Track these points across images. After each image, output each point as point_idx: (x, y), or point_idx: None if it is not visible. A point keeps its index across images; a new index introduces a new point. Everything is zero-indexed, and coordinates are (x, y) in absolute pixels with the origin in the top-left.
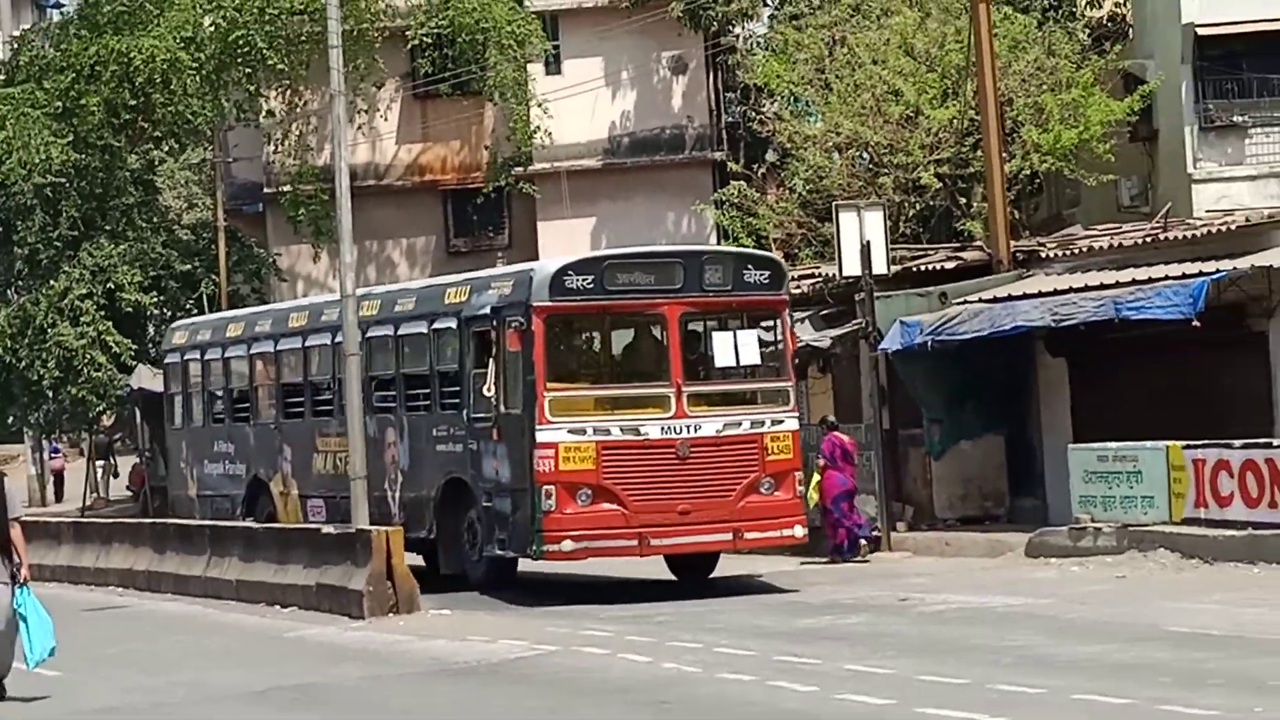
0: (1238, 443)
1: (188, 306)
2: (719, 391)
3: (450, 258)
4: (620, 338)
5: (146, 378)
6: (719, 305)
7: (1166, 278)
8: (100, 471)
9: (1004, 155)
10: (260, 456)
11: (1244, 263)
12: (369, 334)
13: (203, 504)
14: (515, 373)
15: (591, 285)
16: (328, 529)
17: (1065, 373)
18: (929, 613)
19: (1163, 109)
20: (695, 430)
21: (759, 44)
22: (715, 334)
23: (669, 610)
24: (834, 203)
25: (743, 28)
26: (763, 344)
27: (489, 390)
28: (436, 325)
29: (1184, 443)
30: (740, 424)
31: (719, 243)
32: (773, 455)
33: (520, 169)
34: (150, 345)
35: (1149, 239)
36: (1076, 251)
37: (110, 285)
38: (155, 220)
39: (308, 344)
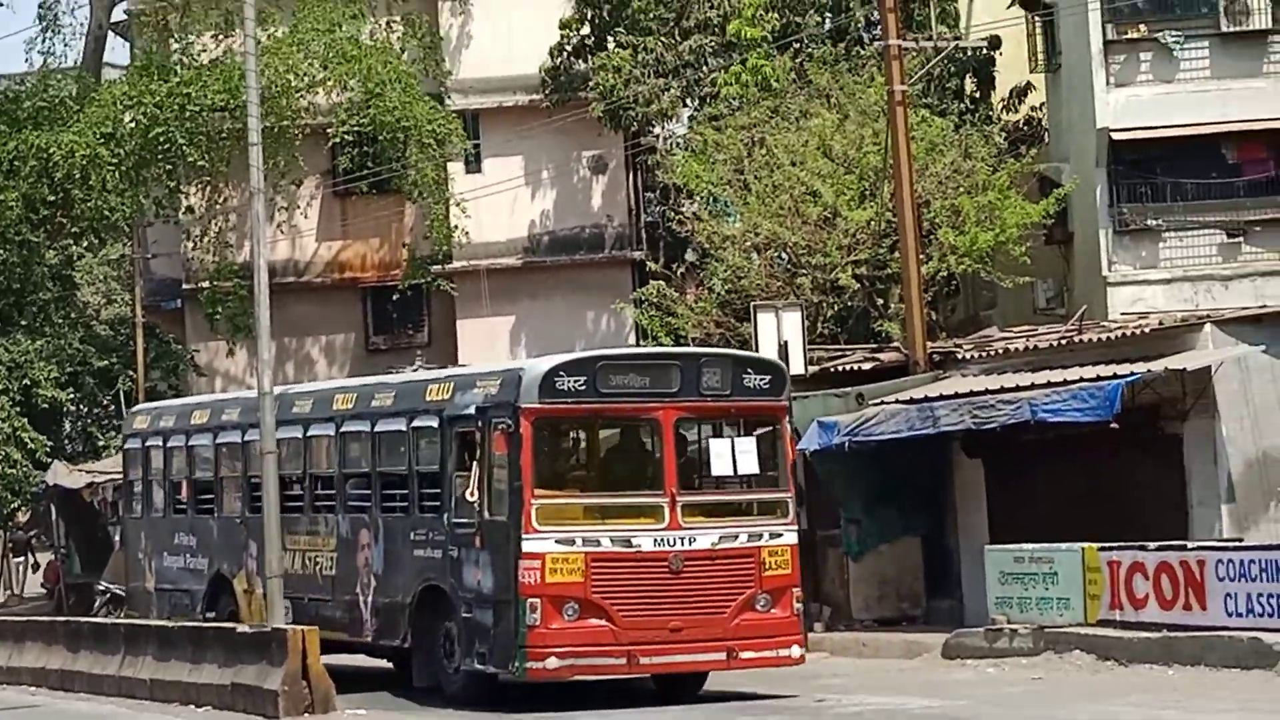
0: (1152, 545)
1: (104, 403)
2: (715, 502)
3: (369, 355)
4: (612, 442)
5: (62, 474)
6: (716, 411)
7: (1081, 380)
8: (17, 568)
9: (921, 257)
10: (224, 551)
11: (1158, 365)
12: (344, 428)
13: (160, 599)
14: (501, 477)
15: (583, 387)
16: (243, 628)
17: (981, 474)
18: (845, 714)
19: (1078, 212)
20: (690, 543)
21: (678, 144)
22: (712, 441)
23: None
24: (752, 303)
25: (662, 128)
26: (761, 452)
27: (472, 495)
28: (416, 423)
29: (1099, 545)
30: (737, 537)
31: (638, 342)
32: (770, 570)
33: (439, 267)
34: (66, 442)
35: (1064, 341)
36: (993, 353)
37: (26, 381)
38: (73, 316)
39: (277, 435)
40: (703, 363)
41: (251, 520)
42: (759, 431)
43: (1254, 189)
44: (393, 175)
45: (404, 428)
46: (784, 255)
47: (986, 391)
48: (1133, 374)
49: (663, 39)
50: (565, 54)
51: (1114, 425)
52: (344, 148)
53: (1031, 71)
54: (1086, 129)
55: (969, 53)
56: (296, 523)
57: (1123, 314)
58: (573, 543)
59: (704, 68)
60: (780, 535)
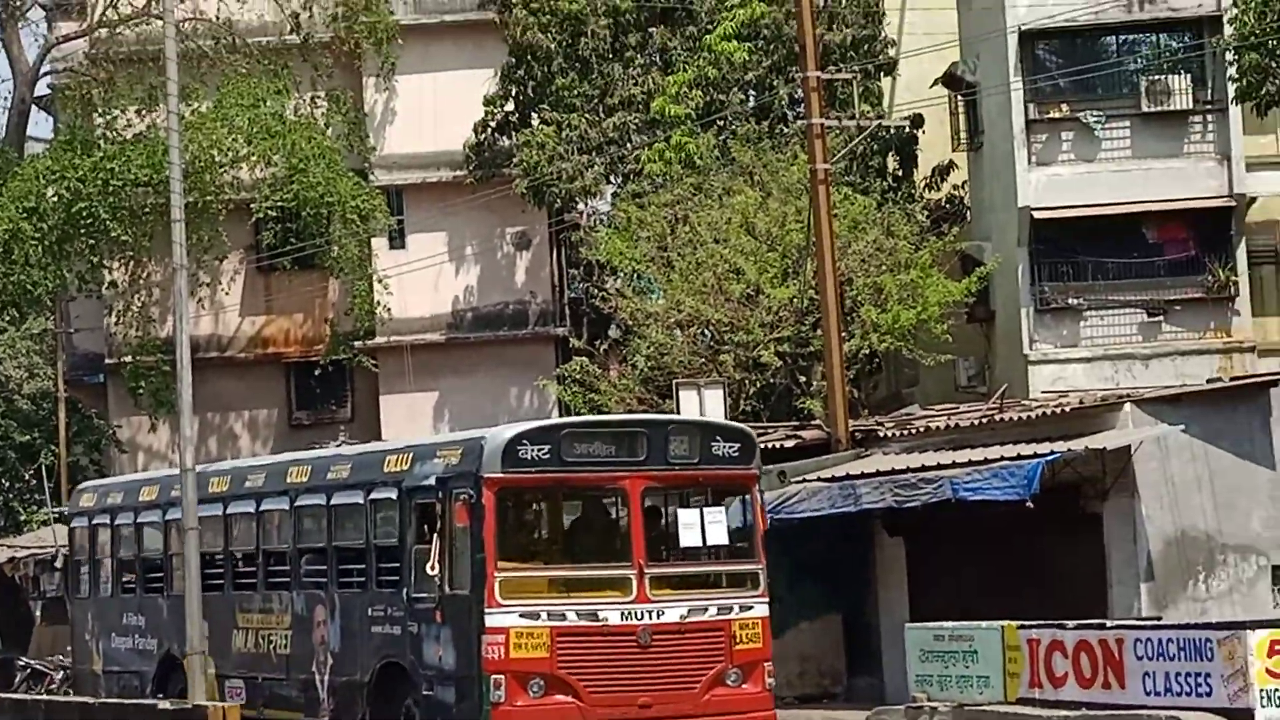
0: (1071, 624)
1: (26, 478)
2: (684, 574)
3: (293, 430)
4: (578, 513)
5: None
6: (685, 480)
7: (1002, 459)
8: None
9: (843, 334)
10: (174, 631)
11: (1078, 445)
12: (299, 502)
13: (109, 680)
14: (462, 549)
15: (547, 455)
16: (165, 704)
17: (903, 552)
18: None
19: (1000, 290)
20: (658, 616)
21: (602, 221)
22: (680, 511)
23: None
24: (675, 380)
25: (586, 204)
26: (731, 522)
27: (432, 568)
28: (374, 495)
29: (1019, 623)
30: (706, 609)
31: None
32: (741, 644)
33: (362, 343)
34: None
35: (985, 420)
36: (914, 431)
37: None
38: None
39: (229, 511)
40: (670, 430)
41: (203, 599)
42: (728, 501)
43: (1174, 268)
44: (316, 251)
45: (361, 500)
46: (707, 332)
47: (908, 470)
48: (1053, 453)
49: (587, 116)
50: (489, 130)
51: (1029, 505)
52: (268, 223)
53: (954, 150)
54: (1008, 207)
55: (892, 131)
56: (249, 600)
57: (1044, 392)
58: (538, 617)
59: (628, 144)
60: (751, 608)
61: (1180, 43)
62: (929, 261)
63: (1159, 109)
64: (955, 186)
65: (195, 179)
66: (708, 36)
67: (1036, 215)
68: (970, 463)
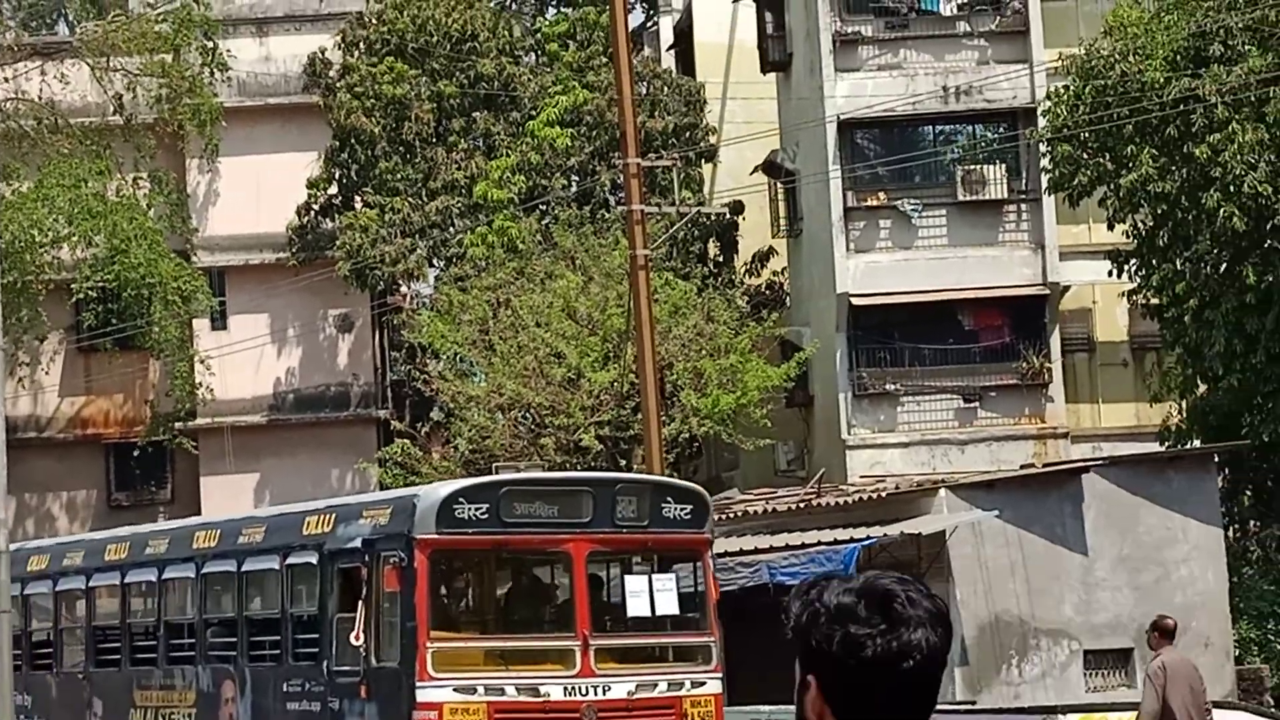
0: None
1: None
2: (631, 646)
3: (112, 511)
4: (518, 579)
5: None
6: (633, 544)
7: (820, 543)
8: None
9: (663, 418)
10: (63, 712)
11: (894, 529)
12: (205, 569)
13: None
14: (391, 618)
15: (485, 515)
16: None
17: (720, 636)
18: None
19: (818, 376)
20: (604, 692)
21: (424, 304)
22: (628, 578)
23: None
24: (495, 463)
25: (409, 287)
26: (681, 591)
27: (357, 639)
28: (291, 560)
29: None
30: (655, 685)
31: None
32: None
33: (183, 424)
34: None
35: (803, 504)
36: (733, 515)
37: None
38: None
39: (127, 580)
40: (618, 490)
41: (96, 675)
42: (679, 568)
43: (989, 355)
44: (137, 331)
45: (277, 565)
46: (528, 415)
47: (726, 554)
48: (869, 538)
49: (410, 199)
50: (312, 213)
51: None
52: (88, 303)
53: (774, 236)
54: (827, 293)
55: (712, 217)
56: (148, 675)
57: (861, 476)
58: (474, 691)
59: (450, 228)
60: (704, 684)
61: (995, 133)
62: (749, 347)
63: (975, 198)
64: (775, 272)
65: (15, 259)
66: (531, 122)
67: (854, 301)
68: (788, 547)
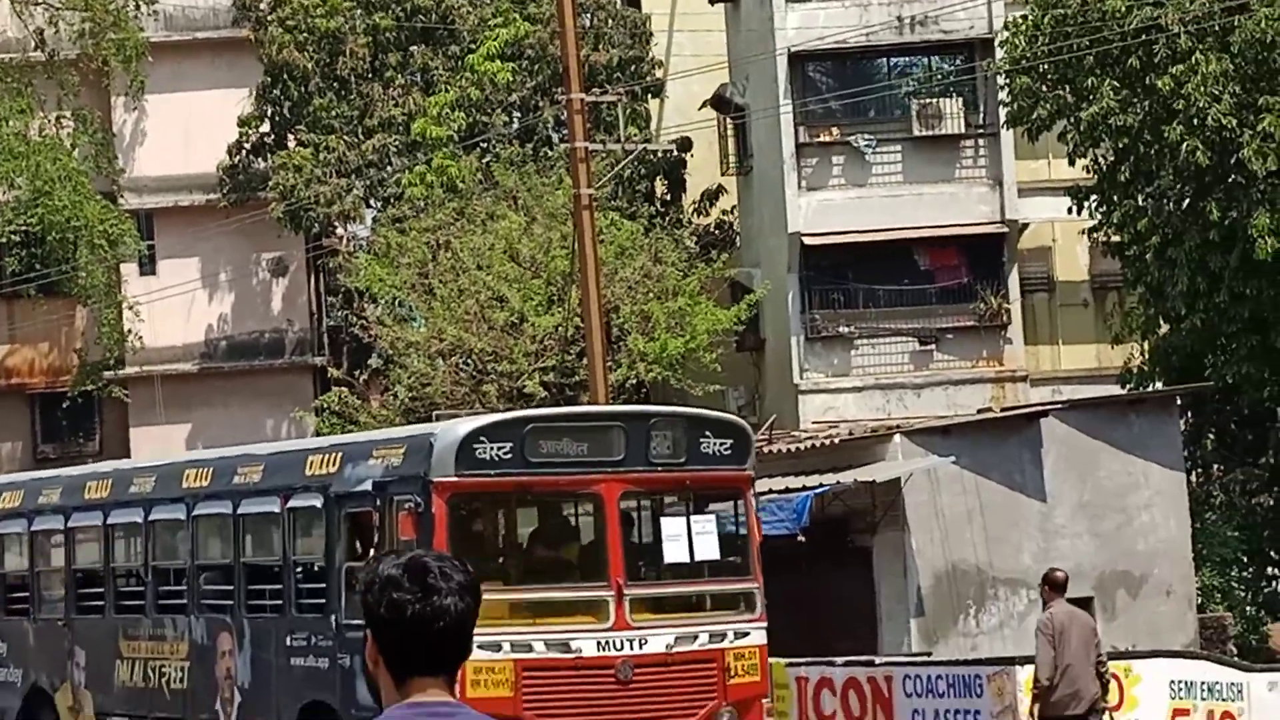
0: (840, 660)
1: None
2: (669, 595)
3: (38, 464)
4: (544, 523)
5: None
6: (669, 483)
7: (771, 491)
8: None
9: (609, 364)
10: (42, 661)
11: (847, 477)
12: (196, 511)
13: None
14: None
15: (508, 455)
16: None
17: None
18: None
19: (770, 318)
20: (640, 646)
21: (361, 247)
22: (664, 521)
23: None
24: (436, 411)
25: (345, 229)
26: (722, 534)
27: None
28: (294, 503)
29: (787, 660)
30: (696, 638)
31: None
32: (736, 678)
33: (111, 373)
34: None
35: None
36: None
37: None
38: None
39: (111, 521)
40: (652, 424)
41: (78, 623)
42: (719, 508)
43: (946, 296)
44: (62, 277)
45: (277, 509)
46: (469, 361)
47: None
48: (821, 486)
49: (345, 138)
50: (244, 152)
51: (800, 539)
52: (11, 249)
53: (723, 174)
54: (778, 233)
55: (659, 155)
56: (136, 625)
57: (814, 422)
58: (499, 648)
59: (388, 168)
60: (747, 635)
61: (952, 66)
62: (697, 289)
63: (930, 133)
64: (725, 212)
65: None
66: (470, 56)
67: (806, 241)
68: None
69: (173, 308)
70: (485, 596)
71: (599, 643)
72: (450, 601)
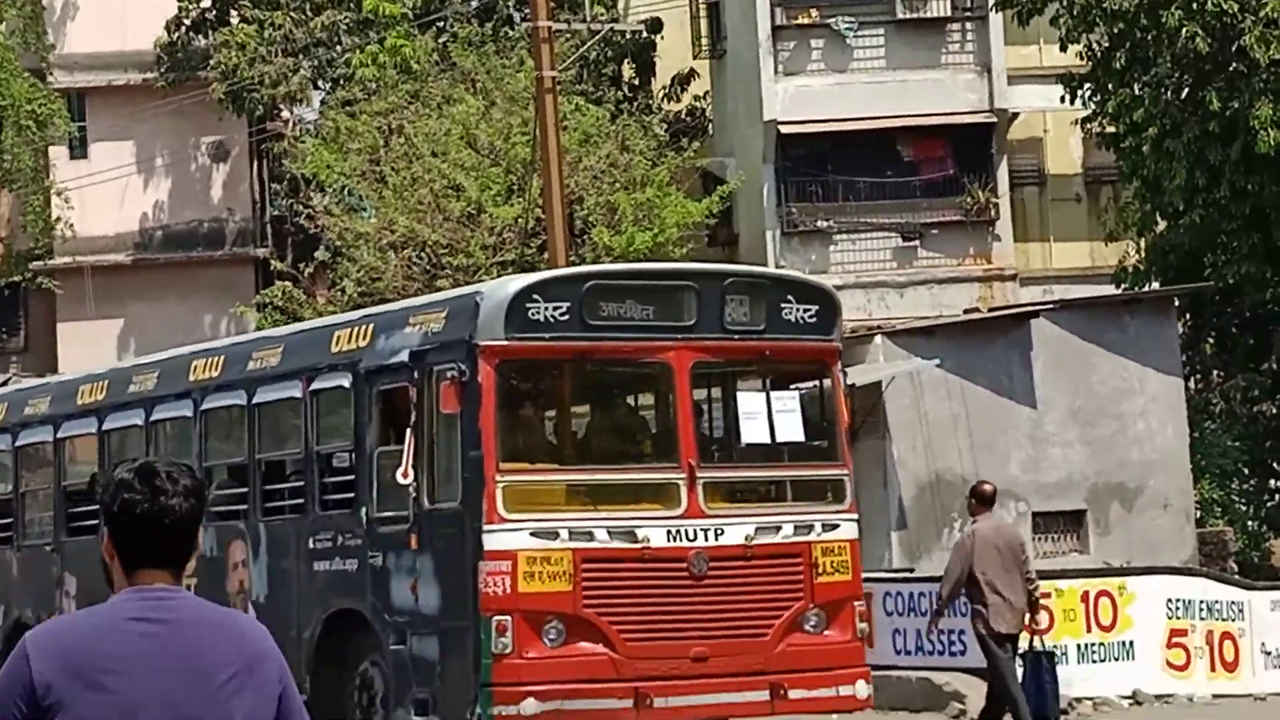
0: None
1: None
2: (747, 481)
3: None
4: (606, 397)
5: None
6: (747, 353)
7: None
8: None
9: (572, 258)
10: (25, 591)
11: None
12: (205, 405)
13: None
14: (449, 448)
15: (565, 317)
16: None
17: None
18: None
19: (744, 211)
20: (716, 537)
21: (308, 131)
22: (741, 396)
23: None
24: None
25: (290, 112)
26: (806, 413)
27: (405, 476)
28: (318, 385)
29: None
30: (779, 529)
31: None
32: (824, 576)
33: (40, 263)
34: None
35: None
36: None
37: None
38: None
39: (107, 426)
40: (728, 285)
41: (69, 546)
42: (803, 384)
43: (931, 189)
44: None
45: (299, 393)
46: (423, 255)
47: None
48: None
49: (292, 14)
50: (183, 29)
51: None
52: None
53: (695, 58)
54: (753, 121)
55: (627, 36)
56: None
57: None
58: (555, 536)
59: (337, 47)
60: (836, 527)
61: None
62: (667, 179)
63: (915, 15)
64: (696, 98)
65: None
66: None
67: (783, 129)
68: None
69: (105, 194)
70: (539, 478)
71: (669, 532)
72: (176, 502)
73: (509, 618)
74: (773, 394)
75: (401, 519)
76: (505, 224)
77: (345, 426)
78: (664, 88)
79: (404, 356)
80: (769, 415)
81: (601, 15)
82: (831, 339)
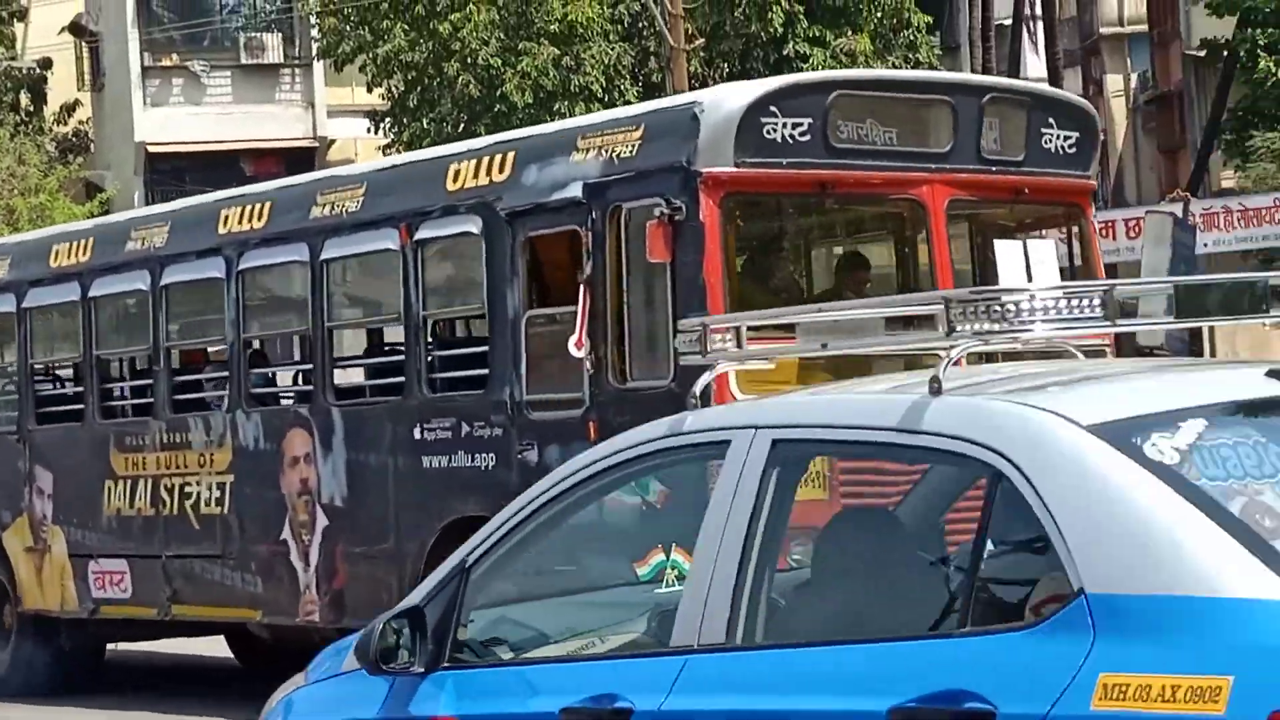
0: None
1: None
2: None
3: None
4: (848, 242)
5: None
6: (1006, 189)
7: None
8: None
9: None
10: None
11: None
12: (244, 264)
13: None
14: (648, 310)
15: (807, 138)
16: None
17: None
18: None
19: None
20: None
21: None
22: (997, 244)
23: None
24: None
25: None
26: (1062, 264)
27: (579, 346)
28: (426, 233)
29: None
30: None
31: None
32: None
33: None
34: None
35: None
36: None
37: None
38: None
39: (93, 294)
40: (987, 102)
41: (39, 435)
42: (1056, 230)
43: None
44: None
45: (394, 245)
46: None
47: None
48: None
49: None
50: None
51: None
52: None
53: (80, 90)
54: (127, 141)
55: (24, 71)
56: (142, 431)
57: None
58: None
59: None
60: None
61: (273, 5)
62: (57, 187)
63: (255, 61)
64: (81, 122)
65: None
66: None
67: (150, 149)
68: None
69: None
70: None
71: None
72: None
73: None
74: (1028, 243)
75: (570, 402)
76: None
77: (471, 286)
78: (55, 113)
79: (574, 191)
80: (1026, 264)
81: (2, 54)
82: (1089, 175)
